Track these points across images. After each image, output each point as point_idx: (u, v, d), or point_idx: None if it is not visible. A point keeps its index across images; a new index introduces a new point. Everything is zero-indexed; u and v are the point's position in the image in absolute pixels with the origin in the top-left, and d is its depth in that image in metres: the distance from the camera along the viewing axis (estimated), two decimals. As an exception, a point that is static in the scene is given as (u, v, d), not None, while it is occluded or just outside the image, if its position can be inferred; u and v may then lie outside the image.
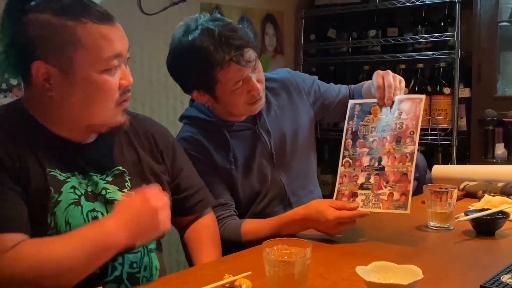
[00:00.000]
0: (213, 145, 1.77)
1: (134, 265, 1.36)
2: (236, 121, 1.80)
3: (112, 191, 1.34)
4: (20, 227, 1.18)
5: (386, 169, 1.56)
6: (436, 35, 3.36)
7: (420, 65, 3.45)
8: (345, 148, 1.66)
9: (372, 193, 1.56)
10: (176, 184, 1.54)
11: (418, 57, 3.46)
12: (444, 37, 3.32)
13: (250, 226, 1.69)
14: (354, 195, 1.58)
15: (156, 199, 1.27)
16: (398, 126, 1.59)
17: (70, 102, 1.27)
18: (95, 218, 1.29)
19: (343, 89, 2.02)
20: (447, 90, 3.30)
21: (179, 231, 1.64)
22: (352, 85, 2.05)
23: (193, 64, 1.65)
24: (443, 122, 3.31)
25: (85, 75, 1.24)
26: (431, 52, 3.40)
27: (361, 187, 1.58)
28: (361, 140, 1.64)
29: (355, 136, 1.66)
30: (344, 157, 1.65)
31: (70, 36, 1.22)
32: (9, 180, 1.20)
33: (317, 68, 3.97)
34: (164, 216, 1.28)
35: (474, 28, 3.31)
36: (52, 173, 1.26)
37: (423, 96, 1.60)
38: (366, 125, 1.65)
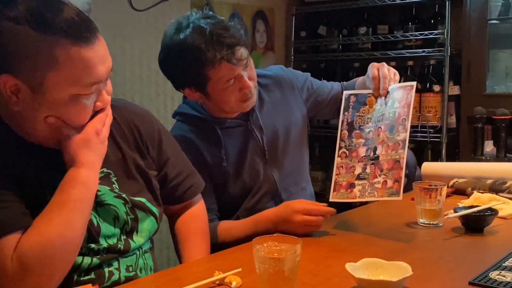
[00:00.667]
0: (204, 143, 1.77)
1: (130, 269, 1.35)
2: (228, 117, 1.80)
3: (104, 192, 1.31)
4: (17, 225, 1.15)
5: (380, 158, 1.57)
6: (426, 32, 3.36)
7: (410, 63, 3.46)
8: (341, 139, 1.66)
9: (368, 183, 1.57)
10: (163, 174, 1.51)
11: (408, 55, 3.46)
12: (434, 35, 3.33)
13: (226, 225, 1.72)
14: (351, 186, 1.59)
15: (100, 124, 1.27)
16: (391, 115, 1.60)
17: (37, 119, 1.20)
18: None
19: (336, 86, 2.03)
20: (436, 88, 3.31)
21: (169, 219, 1.63)
22: (344, 82, 2.06)
23: (185, 62, 1.64)
24: (433, 119, 3.32)
25: (56, 97, 1.17)
26: (421, 50, 3.41)
27: (358, 177, 1.59)
28: (357, 131, 1.65)
29: (351, 127, 1.67)
30: (340, 148, 1.66)
31: (46, 55, 1.13)
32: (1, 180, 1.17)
33: (307, 65, 3.97)
34: (107, 132, 1.30)
35: (464, 26, 3.33)
36: (45, 179, 1.23)
37: (414, 83, 1.62)
38: (362, 116, 1.66)
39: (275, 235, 1.20)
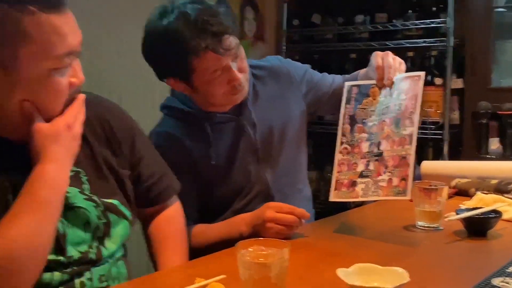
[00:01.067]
0: (192, 140, 1.76)
1: (103, 278, 1.33)
2: (218, 112, 1.78)
3: (73, 194, 1.29)
4: None
5: (385, 153, 1.56)
6: (427, 21, 3.38)
7: (410, 54, 3.47)
8: (343, 134, 1.66)
9: (371, 181, 1.56)
10: (136, 174, 1.49)
11: (408, 45, 3.48)
12: (436, 24, 3.34)
13: (200, 228, 1.72)
14: (353, 184, 1.58)
15: (72, 118, 1.26)
16: (397, 107, 1.60)
17: (9, 103, 1.18)
18: None
19: (337, 79, 2.00)
20: (438, 81, 3.33)
21: (142, 223, 1.61)
22: (346, 75, 2.04)
23: (168, 50, 1.62)
24: (434, 115, 3.33)
25: (30, 74, 1.15)
26: (422, 40, 3.43)
27: (361, 175, 1.58)
28: (360, 125, 1.64)
29: (353, 120, 1.66)
30: (341, 143, 1.65)
31: (15, 28, 1.11)
32: None
33: (300, 56, 3.97)
34: (79, 128, 1.28)
35: (468, 14, 3.34)
36: (7, 182, 1.21)
37: (422, 73, 1.61)
38: (365, 109, 1.65)
39: (261, 238, 1.19)
